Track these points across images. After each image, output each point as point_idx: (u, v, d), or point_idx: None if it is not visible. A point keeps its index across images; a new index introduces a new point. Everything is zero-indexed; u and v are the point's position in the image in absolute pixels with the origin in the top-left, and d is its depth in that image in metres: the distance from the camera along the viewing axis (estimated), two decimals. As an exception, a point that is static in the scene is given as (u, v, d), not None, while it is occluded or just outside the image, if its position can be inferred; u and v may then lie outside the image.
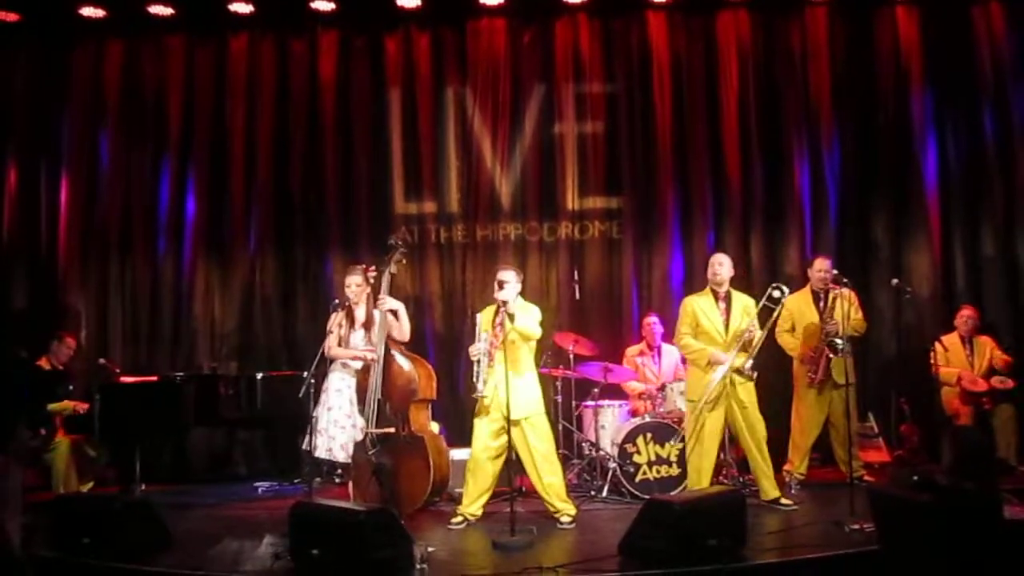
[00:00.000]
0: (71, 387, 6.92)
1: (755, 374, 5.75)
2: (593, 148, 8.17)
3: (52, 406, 6.67)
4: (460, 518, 5.52)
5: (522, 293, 5.79)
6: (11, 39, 8.25)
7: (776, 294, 5.82)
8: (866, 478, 6.31)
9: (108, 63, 8.38)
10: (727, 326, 5.82)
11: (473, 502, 5.53)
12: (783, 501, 5.75)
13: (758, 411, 5.83)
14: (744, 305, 5.88)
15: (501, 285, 5.49)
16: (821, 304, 6.47)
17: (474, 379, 5.48)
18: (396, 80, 8.30)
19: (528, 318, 5.47)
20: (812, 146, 7.99)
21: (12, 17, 7.99)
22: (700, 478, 5.75)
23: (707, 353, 5.78)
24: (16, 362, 6.79)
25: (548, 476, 5.46)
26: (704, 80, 8.08)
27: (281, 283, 8.32)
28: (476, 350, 5.47)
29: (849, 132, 7.98)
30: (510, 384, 5.23)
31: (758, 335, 5.76)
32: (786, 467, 6.48)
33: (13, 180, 8.36)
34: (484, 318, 5.59)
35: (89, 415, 6.64)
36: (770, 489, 5.78)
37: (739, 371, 5.68)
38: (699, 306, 5.91)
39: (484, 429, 5.50)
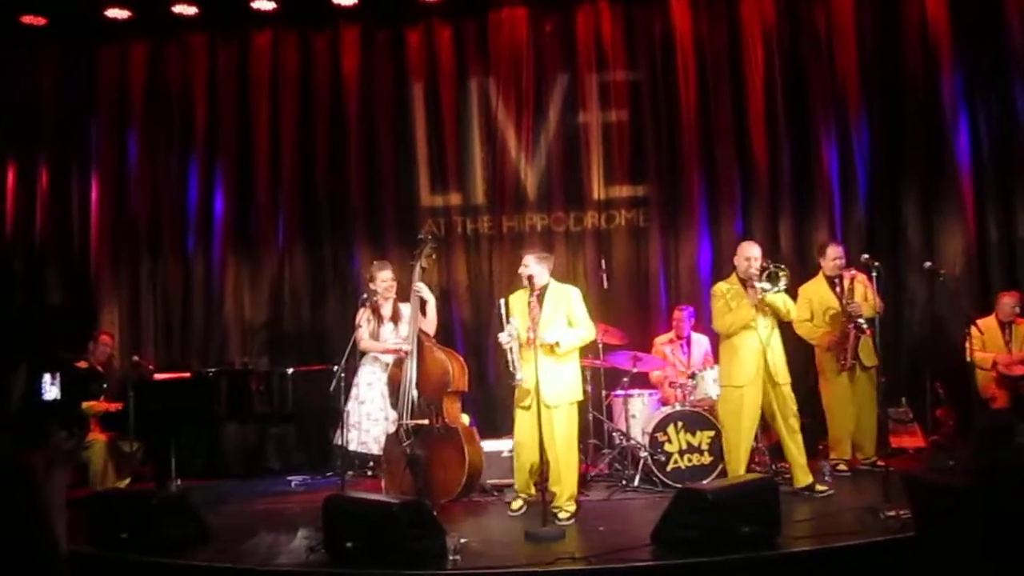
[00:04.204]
0: (105, 385, 7.03)
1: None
2: (618, 136, 8.13)
3: (85, 405, 6.78)
4: (520, 503, 5.53)
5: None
6: (38, 42, 8.36)
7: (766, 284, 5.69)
8: (879, 463, 6.22)
9: (133, 63, 8.49)
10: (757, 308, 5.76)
11: (529, 485, 5.53)
12: (818, 488, 5.68)
13: (791, 393, 5.75)
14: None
15: (531, 279, 5.48)
16: (837, 289, 6.48)
17: (510, 367, 5.42)
18: (419, 73, 8.31)
19: (570, 334, 5.43)
20: (840, 129, 7.88)
21: (40, 21, 8.08)
22: (738, 464, 5.70)
23: (742, 308, 5.67)
24: (52, 362, 6.90)
25: (566, 468, 5.39)
26: (728, 65, 8.00)
27: (309, 278, 8.39)
28: (506, 338, 5.43)
29: (878, 113, 7.86)
30: (546, 370, 5.23)
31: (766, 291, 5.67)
32: (833, 453, 6.47)
33: (45, 181, 8.51)
34: (514, 304, 5.57)
35: (124, 412, 6.72)
36: (802, 477, 5.71)
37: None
38: (727, 290, 5.85)
39: (524, 413, 5.48)
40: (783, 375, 5.74)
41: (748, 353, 5.69)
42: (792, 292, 6.67)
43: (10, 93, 8.42)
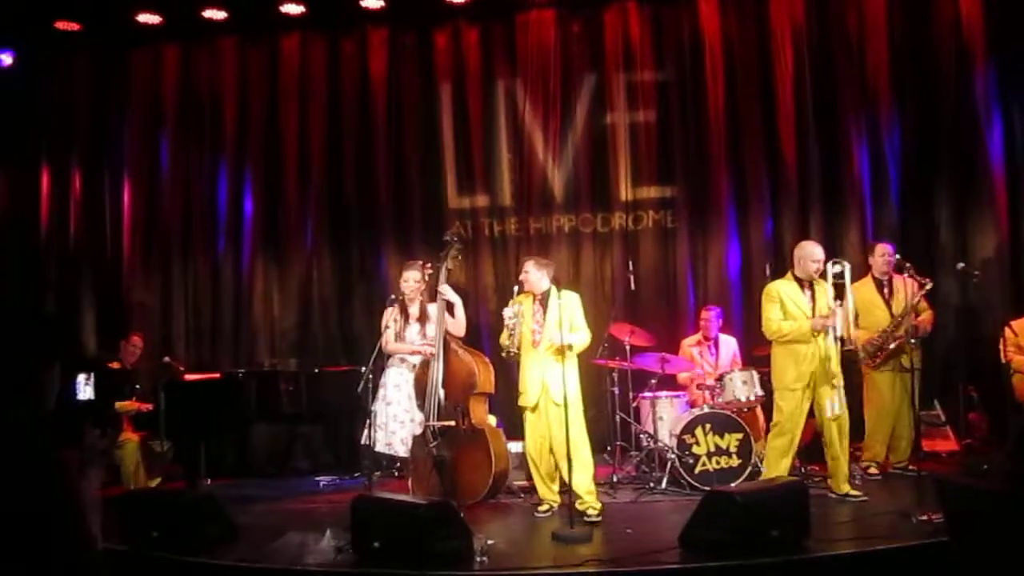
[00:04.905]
0: (137, 386, 7.11)
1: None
2: (645, 137, 8.10)
3: (118, 405, 6.86)
4: (546, 506, 5.56)
5: (576, 287, 5.78)
6: (72, 48, 8.49)
7: (836, 269, 5.65)
8: (911, 467, 6.12)
9: (164, 67, 8.61)
10: (813, 312, 5.61)
11: (550, 489, 5.58)
12: (852, 493, 5.59)
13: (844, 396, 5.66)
14: (824, 289, 5.68)
15: (556, 280, 5.57)
16: (885, 291, 6.41)
17: (506, 341, 5.52)
18: (446, 75, 8.33)
19: (575, 336, 5.46)
20: (871, 128, 7.78)
21: (74, 27, 8.21)
22: (782, 464, 5.60)
23: (807, 326, 5.54)
24: (86, 363, 7.00)
25: (579, 465, 5.33)
26: (757, 64, 7.94)
27: (337, 280, 8.45)
28: (511, 312, 5.53)
29: (909, 112, 7.75)
30: (551, 370, 5.29)
31: (846, 310, 5.59)
32: (866, 455, 6.38)
33: (78, 186, 8.65)
34: (522, 302, 5.63)
35: (155, 413, 6.80)
36: (844, 485, 5.60)
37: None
38: (784, 292, 5.68)
39: (532, 416, 5.54)
40: (839, 377, 5.63)
41: (808, 354, 5.56)
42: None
43: (45, 98, 8.57)
